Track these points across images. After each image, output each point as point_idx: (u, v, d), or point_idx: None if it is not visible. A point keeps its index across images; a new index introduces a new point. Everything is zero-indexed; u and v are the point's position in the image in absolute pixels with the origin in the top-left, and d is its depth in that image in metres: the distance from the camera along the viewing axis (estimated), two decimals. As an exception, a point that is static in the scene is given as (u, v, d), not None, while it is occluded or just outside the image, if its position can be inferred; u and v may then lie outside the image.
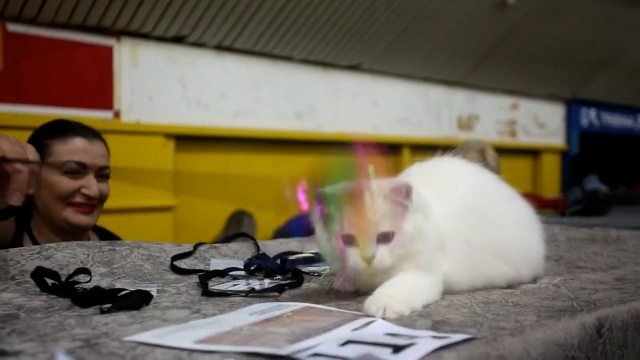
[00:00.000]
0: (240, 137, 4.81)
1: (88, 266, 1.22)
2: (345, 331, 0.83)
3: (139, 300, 1.00)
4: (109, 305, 0.97)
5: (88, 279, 1.13)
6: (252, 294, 1.10)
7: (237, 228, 4.15)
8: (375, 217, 0.99)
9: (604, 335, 0.85)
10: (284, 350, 0.71)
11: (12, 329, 0.84)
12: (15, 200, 1.08)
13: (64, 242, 1.30)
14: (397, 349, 0.72)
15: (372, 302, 0.94)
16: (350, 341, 0.77)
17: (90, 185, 1.67)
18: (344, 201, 1.01)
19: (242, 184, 4.81)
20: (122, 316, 0.93)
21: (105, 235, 1.86)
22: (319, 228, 1.06)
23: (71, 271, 1.18)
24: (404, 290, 0.98)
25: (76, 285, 1.09)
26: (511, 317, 0.89)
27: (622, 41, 6.79)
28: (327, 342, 0.77)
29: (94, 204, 1.70)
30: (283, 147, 5.07)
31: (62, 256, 1.23)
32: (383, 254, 1.00)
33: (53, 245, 1.27)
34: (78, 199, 1.66)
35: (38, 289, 1.08)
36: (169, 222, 4.29)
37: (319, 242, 1.07)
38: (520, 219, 1.21)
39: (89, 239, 1.77)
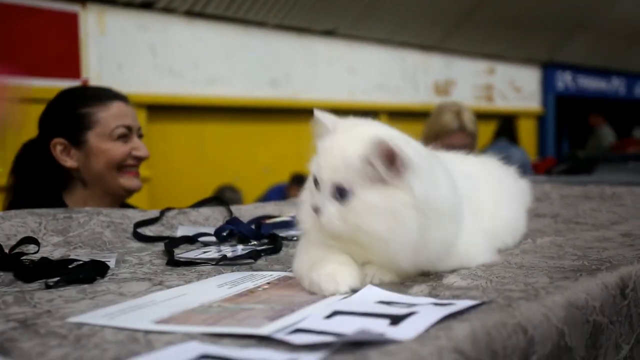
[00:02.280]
0: (214, 105, 4.66)
1: (39, 236, 1.09)
2: (331, 300, 0.72)
3: (92, 272, 0.87)
4: (56, 279, 0.84)
5: (37, 249, 0.99)
6: (224, 262, 0.98)
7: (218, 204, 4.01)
8: (337, 162, 0.77)
9: (628, 296, 0.74)
10: (263, 330, 0.59)
11: (-64, 308, 0.71)
12: None
13: (12, 211, 1.16)
14: (395, 319, 0.61)
15: (318, 275, 0.77)
16: (338, 312, 0.66)
17: (139, 146, 1.63)
18: (330, 134, 0.81)
19: (218, 154, 4.67)
20: (70, 291, 0.81)
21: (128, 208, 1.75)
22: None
23: (19, 241, 1.04)
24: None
25: (22, 257, 0.96)
26: (519, 279, 0.78)
27: (599, 3, 6.72)
28: (312, 315, 0.65)
29: (139, 165, 1.65)
30: (258, 116, 4.94)
31: (10, 225, 1.10)
32: (331, 212, 0.77)
33: (1, 213, 1.13)
34: (130, 162, 1.61)
35: (-22, 263, 0.94)
36: (143, 195, 4.14)
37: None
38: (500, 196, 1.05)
39: None
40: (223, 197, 4.26)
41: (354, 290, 0.75)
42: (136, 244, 1.15)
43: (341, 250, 0.80)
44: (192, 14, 4.47)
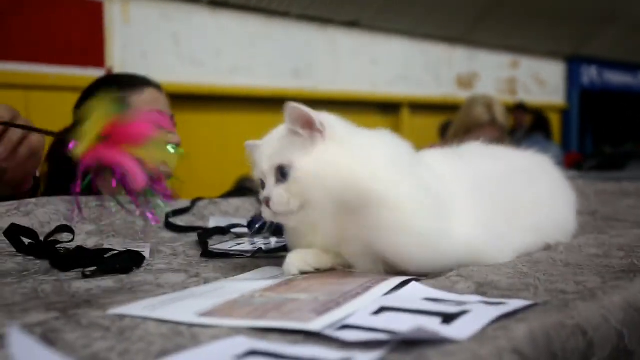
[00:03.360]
0: (236, 95, 4.65)
1: (73, 224, 1.08)
2: (375, 296, 0.70)
3: (128, 262, 0.86)
4: (93, 269, 0.83)
5: (71, 237, 0.98)
6: (260, 255, 0.96)
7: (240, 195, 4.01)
8: (269, 150, 0.81)
9: (686, 298, 0.71)
10: (312, 325, 0.57)
11: (-24, 296, 0.70)
12: None
13: (45, 197, 1.15)
14: (447, 318, 0.58)
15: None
16: (385, 308, 0.64)
17: (171, 134, 1.59)
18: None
19: (240, 144, 4.66)
20: (107, 281, 0.79)
21: None
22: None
23: (53, 229, 1.03)
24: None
25: (57, 246, 0.95)
26: (569, 278, 0.75)
27: (625, -4, 6.60)
28: (359, 310, 0.63)
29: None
30: (280, 106, 4.90)
31: (44, 212, 1.09)
32: (279, 193, 0.79)
33: (33, 200, 1.13)
34: None
35: (13, 250, 0.94)
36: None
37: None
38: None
39: None
40: (244, 187, 4.27)
41: (303, 273, 0.81)
42: (168, 234, 1.14)
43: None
44: (215, 3, 4.46)
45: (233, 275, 0.84)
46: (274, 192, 0.79)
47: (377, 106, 5.60)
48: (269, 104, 4.84)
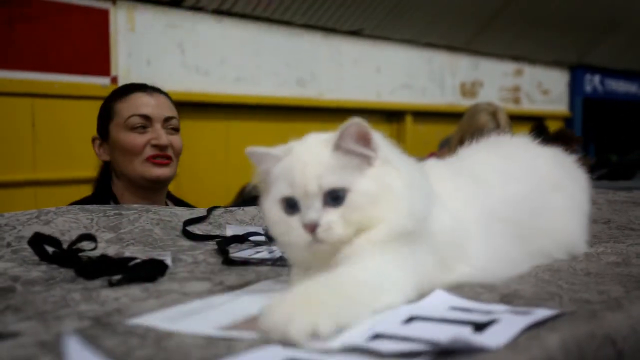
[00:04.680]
0: (240, 104, 4.66)
1: (92, 232, 1.08)
2: (401, 304, 0.70)
3: (153, 270, 0.86)
4: (118, 277, 0.83)
5: (93, 246, 0.99)
6: (280, 263, 0.97)
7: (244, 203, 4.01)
8: (318, 170, 0.73)
9: None
10: (340, 340, 0.58)
11: (7, 304, 0.71)
12: None
13: (64, 207, 1.16)
14: (478, 327, 0.59)
15: (270, 311, 0.62)
16: (415, 317, 0.64)
17: (159, 135, 1.60)
18: (283, 158, 0.77)
19: (244, 153, 4.67)
20: (134, 289, 0.80)
21: (182, 204, 1.76)
22: (261, 199, 0.80)
23: (73, 237, 1.03)
24: (338, 292, 0.66)
25: (80, 254, 0.95)
26: (591, 287, 0.76)
27: (629, 4, 6.61)
28: (386, 319, 0.64)
29: (168, 155, 1.63)
30: (284, 115, 4.93)
31: (63, 221, 1.10)
32: (331, 221, 0.72)
33: (52, 209, 1.14)
34: (151, 152, 1.60)
35: (37, 258, 0.94)
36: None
37: (265, 217, 0.80)
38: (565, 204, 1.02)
39: (166, 205, 1.68)
40: (249, 195, 4.28)
41: None
42: (186, 242, 1.15)
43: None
44: (220, 12, 4.47)
45: (255, 283, 0.85)
46: (325, 218, 0.72)
47: (381, 114, 5.61)
48: (273, 112, 4.86)
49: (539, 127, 4.26)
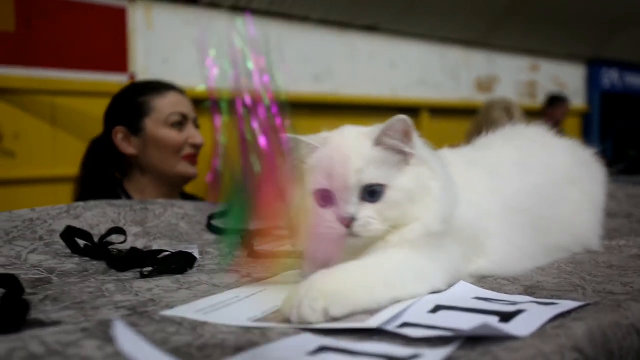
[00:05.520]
0: (257, 100, 4.68)
1: (120, 225, 1.11)
2: (425, 294, 0.72)
3: (182, 263, 0.89)
4: (150, 269, 0.86)
5: (123, 239, 1.01)
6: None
7: None
8: (358, 163, 0.73)
9: None
10: (371, 323, 0.60)
11: (45, 295, 0.74)
12: None
13: (92, 201, 1.19)
14: (504, 316, 0.61)
15: (290, 296, 0.65)
16: (441, 307, 0.66)
17: (195, 134, 1.65)
18: (319, 148, 0.77)
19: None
20: (165, 281, 0.82)
21: (192, 198, 1.79)
22: (291, 187, 0.80)
23: (102, 231, 1.06)
24: (352, 279, 0.67)
25: (110, 247, 0.98)
26: (614, 279, 0.77)
27: (647, -3, 6.54)
28: (413, 309, 0.66)
29: (197, 154, 1.68)
30: (300, 111, 4.92)
31: (92, 215, 1.13)
32: (368, 216, 0.73)
33: (81, 203, 1.16)
34: (187, 150, 1.65)
35: (69, 251, 0.97)
36: (189, 190, 4.18)
37: (291, 205, 0.80)
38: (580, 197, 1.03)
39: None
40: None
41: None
42: (211, 236, 1.17)
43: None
44: (236, 8, 4.50)
45: (280, 275, 0.87)
46: (362, 213, 0.73)
47: (397, 110, 5.62)
48: (290, 108, 4.88)
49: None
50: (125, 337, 0.42)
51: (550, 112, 5.68)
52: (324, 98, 5.00)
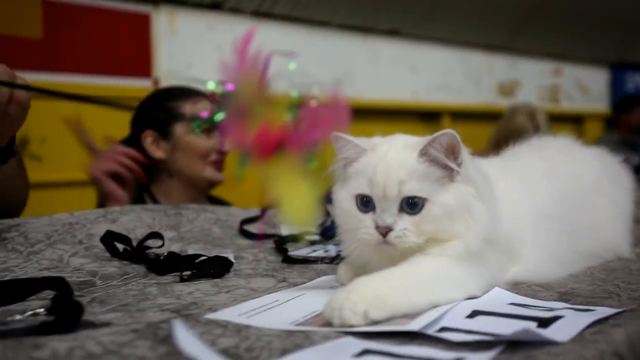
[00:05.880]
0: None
1: (155, 230, 1.13)
2: (462, 300, 0.73)
3: (220, 267, 0.91)
4: (188, 273, 0.88)
5: (160, 243, 1.04)
6: (337, 261, 1.01)
7: None
8: (401, 174, 0.74)
9: None
10: (412, 326, 0.62)
11: (92, 297, 0.76)
12: None
13: (128, 206, 1.22)
14: (542, 322, 0.62)
15: (331, 299, 0.67)
16: (478, 312, 0.67)
17: (223, 142, 1.70)
18: (367, 152, 0.78)
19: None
20: (204, 285, 0.85)
21: (216, 201, 1.84)
22: (336, 186, 0.82)
23: (137, 235, 1.09)
24: (391, 284, 0.69)
25: (147, 251, 1.00)
26: (648, 285, 0.78)
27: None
28: (450, 314, 0.67)
29: (223, 159, 1.73)
30: (322, 115, 4.96)
31: (128, 220, 1.15)
32: (405, 227, 0.74)
33: (117, 208, 1.19)
34: (214, 156, 1.69)
35: (108, 254, 1.00)
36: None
37: (334, 205, 0.82)
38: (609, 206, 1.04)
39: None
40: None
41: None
42: (244, 241, 1.19)
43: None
44: (259, 14, 4.53)
45: (316, 280, 0.89)
46: (400, 224, 0.74)
47: (418, 115, 5.61)
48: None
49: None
50: (184, 336, 0.44)
51: (625, 117, 5.23)
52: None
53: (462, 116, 5.71)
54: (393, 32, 5.31)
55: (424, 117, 5.72)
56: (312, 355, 0.55)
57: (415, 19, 5.25)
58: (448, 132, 0.74)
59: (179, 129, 1.65)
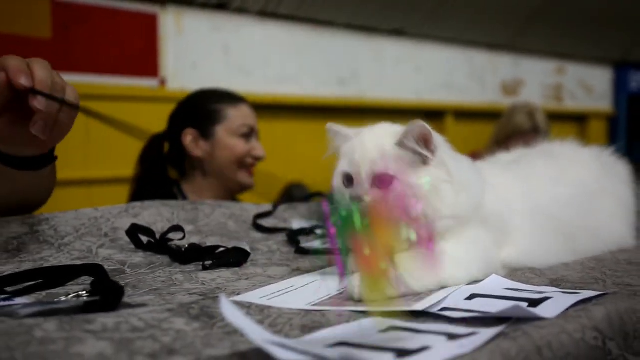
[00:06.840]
0: (283, 104, 4.77)
1: (174, 223, 1.21)
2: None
3: (239, 257, 0.98)
4: (210, 262, 0.96)
5: (181, 236, 1.11)
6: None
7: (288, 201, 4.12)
8: (374, 154, 0.83)
9: None
10: (418, 306, 0.69)
11: (125, 282, 0.84)
12: (38, 129, 0.92)
13: (147, 202, 1.29)
14: (533, 302, 0.69)
15: (351, 279, 0.76)
16: (475, 295, 0.75)
17: (258, 147, 1.79)
18: (352, 139, 0.88)
19: (286, 152, 4.79)
20: (225, 273, 0.92)
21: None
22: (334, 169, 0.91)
23: (158, 229, 1.16)
24: (407, 264, 0.77)
25: (169, 243, 1.08)
26: (634, 274, 0.85)
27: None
28: (451, 297, 0.75)
29: (256, 165, 1.81)
30: (326, 114, 5.02)
31: (149, 214, 1.23)
32: (374, 198, 0.81)
33: (138, 204, 1.27)
34: (249, 160, 1.78)
35: (132, 246, 1.07)
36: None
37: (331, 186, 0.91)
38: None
39: None
40: (291, 194, 4.39)
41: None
42: (258, 234, 1.27)
43: None
44: (264, 14, 4.59)
45: (328, 268, 0.96)
46: (370, 196, 0.81)
47: (422, 113, 5.67)
48: (315, 112, 4.96)
49: None
50: (230, 309, 0.52)
51: None
52: (350, 102, 5.08)
53: (466, 115, 5.77)
54: (397, 32, 5.37)
55: (428, 116, 5.78)
56: (340, 333, 0.61)
57: (420, 19, 5.31)
58: (419, 124, 0.82)
59: (220, 130, 1.73)
